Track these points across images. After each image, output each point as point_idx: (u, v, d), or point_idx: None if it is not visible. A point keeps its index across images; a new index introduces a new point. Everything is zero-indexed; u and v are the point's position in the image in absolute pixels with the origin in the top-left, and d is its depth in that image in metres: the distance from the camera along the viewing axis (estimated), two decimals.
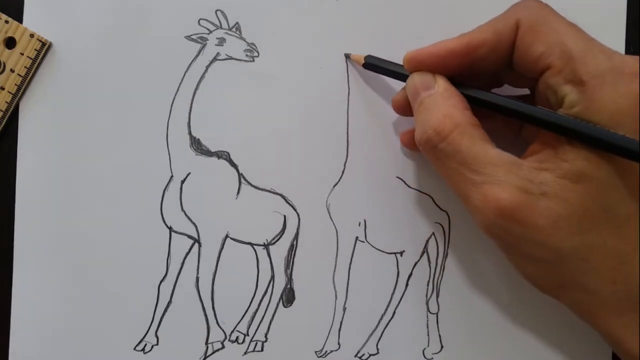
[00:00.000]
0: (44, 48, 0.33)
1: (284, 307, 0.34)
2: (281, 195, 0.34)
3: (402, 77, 0.30)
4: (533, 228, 0.25)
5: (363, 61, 0.32)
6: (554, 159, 0.25)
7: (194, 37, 0.34)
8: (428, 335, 0.34)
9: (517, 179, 0.25)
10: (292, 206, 0.34)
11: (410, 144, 0.32)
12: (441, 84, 0.28)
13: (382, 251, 0.34)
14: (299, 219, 0.34)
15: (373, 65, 0.31)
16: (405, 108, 0.31)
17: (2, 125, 0.34)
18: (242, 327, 0.34)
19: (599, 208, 0.24)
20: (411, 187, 0.34)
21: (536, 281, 0.27)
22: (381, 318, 0.34)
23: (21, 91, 0.34)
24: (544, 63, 0.26)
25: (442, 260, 0.34)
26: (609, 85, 0.24)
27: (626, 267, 0.25)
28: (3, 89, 0.33)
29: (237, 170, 0.34)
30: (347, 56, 0.33)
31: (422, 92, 0.28)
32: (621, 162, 0.24)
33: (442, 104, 0.27)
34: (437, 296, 0.34)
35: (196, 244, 0.34)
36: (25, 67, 0.33)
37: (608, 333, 0.26)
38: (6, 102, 0.33)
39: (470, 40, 0.27)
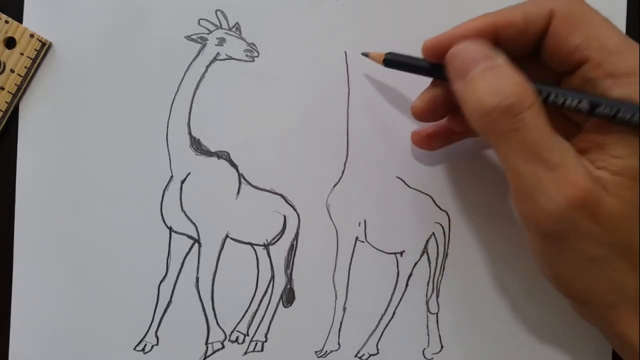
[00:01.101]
0: (44, 48, 0.33)
1: (284, 307, 0.34)
2: (281, 195, 0.34)
3: (426, 71, 0.29)
4: (598, 222, 0.24)
5: (383, 58, 0.31)
6: (604, 156, 0.24)
7: (194, 37, 0.34)
8: (428, 335, 0.34)
9: (584, 169, 0.24)
10: (292, 206, 0.34)
11: (423, 142, 0.32)
12: (504, 57, 0.25)
13: (382, 251, 0.34)
14: (299, 219, 0.34)
15: (394, 61, 0.30)
16: (429, 114, 0.30)
17: (2, 125, 0.34)
18: (242, 327, 0.34)
19: None
20: (411, 187, 0.34)
21: (568, 282, 0.26)
22: (381, 318, 0.34)
23: (21, 91, 0.34)
24: (581, 55, 0.25)
25: (442, 260, 0.34)
26: None
27: None
28: (3, 89, 0.33)
29: (237, 170, 0.34)
30: (366, 55, 0.32)
31: (482, 62, 0.25)
32: None
33: (516, 73, 0.25)
34: (437, 296, 0.34)
35: (196, 244, 0.34)
36: (25, 67, 0.33)
37: (630, 337, 0.25)
38: (6, 102, 0.33)
39: (497, 19, 0.26)
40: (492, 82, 0.24)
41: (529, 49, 0.27)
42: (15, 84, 0.33)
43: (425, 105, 0.30)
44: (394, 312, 0.34)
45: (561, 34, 0.26)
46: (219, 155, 0.34)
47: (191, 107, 0.34)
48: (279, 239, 0.34)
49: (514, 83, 0.24)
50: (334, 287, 0.34)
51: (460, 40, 0.26)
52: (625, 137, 0.24)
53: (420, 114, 0.30)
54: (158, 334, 0.33)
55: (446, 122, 0.32)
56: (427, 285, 0.34)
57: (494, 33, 0.26)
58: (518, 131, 0.24)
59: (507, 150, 0.24)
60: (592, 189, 0.23)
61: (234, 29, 0.34)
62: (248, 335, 0.34)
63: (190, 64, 0.34)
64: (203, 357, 0.33)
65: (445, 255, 0.34)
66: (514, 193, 0.25)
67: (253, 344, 0.34)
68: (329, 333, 0.34)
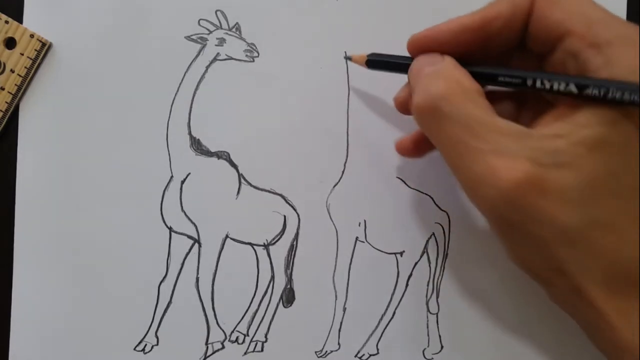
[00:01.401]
0: (44, 48, 0.33)
1: (284, 307, 0.34)
2: (281, 195, 0.34)
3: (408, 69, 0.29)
4: (542, 204, 0.23)
5: (365, 60, 0.31)
6: (569, 126, 0.24)
7: (194, 37, 0.34)
8: (428, 335, 0.34)
9: (528, 149, 0.23)
10: (292, 206, 0.34)
11: (412, 150, 0.31)
12: (448, 59, 0.26)
13: (382, 251, 0.34)
14: (299, 219, 0.34)
15: (376, 62, 0.30)
16: (408, 106, 0.30)
17: (2, 125, 0.34)
18: (242, 327, 0.34)
19: (610, 177, 0.23)
20: (411, 187, 0.34)
21: (531, 265, 0.25)
22: (381, 318, 0.34)
23: (21, 91, 0.34)
24: (563, 28, 0.25)
25: (442, 261, 0.34)
26: (634, 45, 0.23)
27: (629, 248, 0.23)
28: (3, 89, 0.33)
29: (237, 171, 0.34)
30: (348, 58, 0.32)
31: (426, 67, 0.26)
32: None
33: (450, 73, 0.26)
34: (437, 296, 0.34)
35: (196, 244, 0.34)
36: (25, 67, 0.33)
37: (599, 323, 0.24)
38: (6, 102, 0.33)
39: (485, 14, 0.26)
40: (423, 81, 0.26)
41: (517, 39, 0.27)
42: (15, 84, 0.33)
43: (408, 96, 0.29)
44: (394, 312, 0.34)
45: (544, 13, 0.25)
46: (219, 155, 0.34)
47: (191, 107, 0.34)
48: (279, 239, 0.34)
49: (443, 80, 0.25)
50: (334, 287, 0.34)
51: (447, 34, 0.27)
52: (595, 107, 0.24)
53: (401, 105, 0.30)
54: (158, 334, 0.33)
55: None
56: (427, 285, 0.34)
57: (482, 28, 0.26)
58: (443, 125, 0.25)
59: (439, 140, 0.25)
60: (530, 172, 0.23)
61: (234, 29, 0.34)
62: (248, 335, 0.34)
63: (190, 64, 0.34)
64: (203, 357, 0.33)
65: (445, 255, 0.34)
66: (460, 184, 0.26)
67: (253, 344, 0.34)
68: (329, 333, 0.34)
